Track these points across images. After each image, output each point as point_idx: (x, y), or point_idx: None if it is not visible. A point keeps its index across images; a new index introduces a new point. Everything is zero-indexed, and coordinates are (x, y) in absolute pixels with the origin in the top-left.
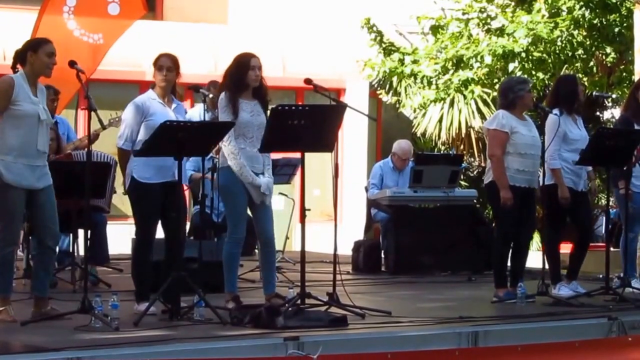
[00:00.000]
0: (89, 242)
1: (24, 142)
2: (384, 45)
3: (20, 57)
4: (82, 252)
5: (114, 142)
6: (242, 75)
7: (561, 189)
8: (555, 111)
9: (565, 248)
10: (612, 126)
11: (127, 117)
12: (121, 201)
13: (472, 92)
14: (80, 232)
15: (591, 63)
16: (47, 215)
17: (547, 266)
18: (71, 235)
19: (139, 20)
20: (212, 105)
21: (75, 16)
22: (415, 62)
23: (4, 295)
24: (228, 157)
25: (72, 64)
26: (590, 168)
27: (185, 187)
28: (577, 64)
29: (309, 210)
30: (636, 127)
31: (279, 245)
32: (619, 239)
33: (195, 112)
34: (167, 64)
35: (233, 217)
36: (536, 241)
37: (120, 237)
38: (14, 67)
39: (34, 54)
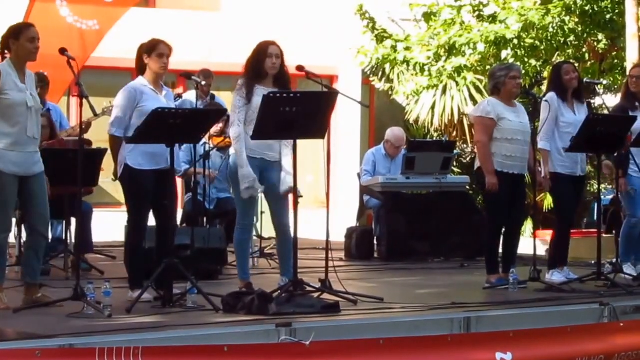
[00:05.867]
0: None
1: (14, 131)
2: (376, 32)
3: (5, 44)
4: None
5: (106, 130)
6: (260, 62)
7: (544, 170)
8: (546, 97)
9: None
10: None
11: (119, 103)
12: (114, 189)
13: (465, 79)
14: (72, 220)
15: (583, 50)
16: (38, 202)
17: (539, 252)
18: (64, 222)
19: (133, 7)
20: (203, 93)
21: (69, 3)
22: (407, 49)
23: None
24: (233, 141)
25: (62, 51)
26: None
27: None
28: (569, 51)
29: (301, 197)
30: (631, 114)
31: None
32: (612, 224)
33: (192, 96)
34: (167, 52)
35: (241, 203)
36: (528, 227)
37: (113, 225)
38: (2, 54)
39: (16, 42)
